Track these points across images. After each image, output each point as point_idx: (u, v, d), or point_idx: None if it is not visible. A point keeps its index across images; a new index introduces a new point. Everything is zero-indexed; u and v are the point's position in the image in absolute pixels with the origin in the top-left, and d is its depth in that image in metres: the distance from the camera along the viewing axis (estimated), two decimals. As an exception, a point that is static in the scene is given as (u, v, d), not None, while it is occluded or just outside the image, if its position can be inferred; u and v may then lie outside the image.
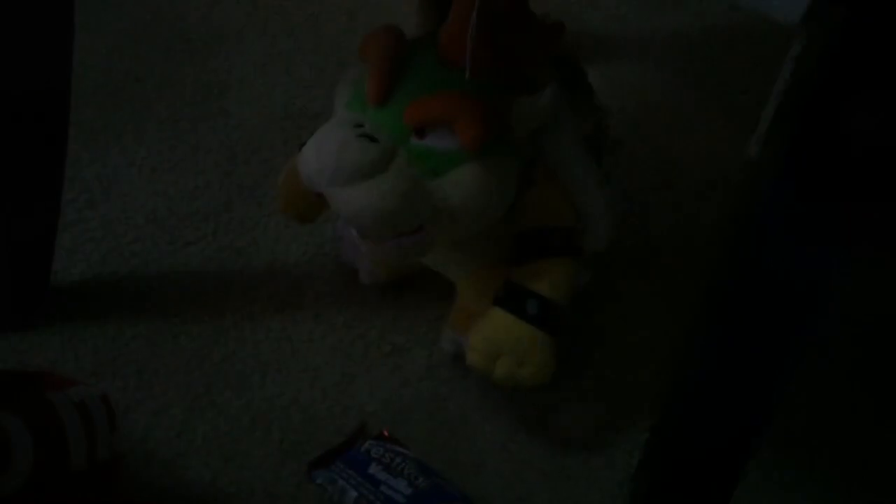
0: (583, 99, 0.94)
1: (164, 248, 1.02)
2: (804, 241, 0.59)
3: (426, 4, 1.16)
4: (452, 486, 0.85)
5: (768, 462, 0.89)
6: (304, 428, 0.89)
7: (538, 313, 0.85)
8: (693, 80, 1.30)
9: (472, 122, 0.79)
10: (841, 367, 0.98)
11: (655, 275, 1.06)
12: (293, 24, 1.29)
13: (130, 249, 1.01)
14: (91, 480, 0.74)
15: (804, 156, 0.57)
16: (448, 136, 0.80)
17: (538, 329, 0.85)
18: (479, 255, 0.92)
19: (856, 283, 0.71)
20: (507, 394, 0.91)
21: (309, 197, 0.91)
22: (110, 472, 0.77)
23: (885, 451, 0.94)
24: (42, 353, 0.91)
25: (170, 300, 0.98)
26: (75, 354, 0.91)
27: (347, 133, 0.80)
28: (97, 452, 0.74)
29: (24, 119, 0.84)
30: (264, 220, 1.05)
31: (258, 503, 0.84)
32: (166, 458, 0.86)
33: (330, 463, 0.85)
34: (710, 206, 1.13)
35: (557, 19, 0.94)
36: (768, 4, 1.24)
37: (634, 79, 1.27)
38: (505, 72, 0.84)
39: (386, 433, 0.88)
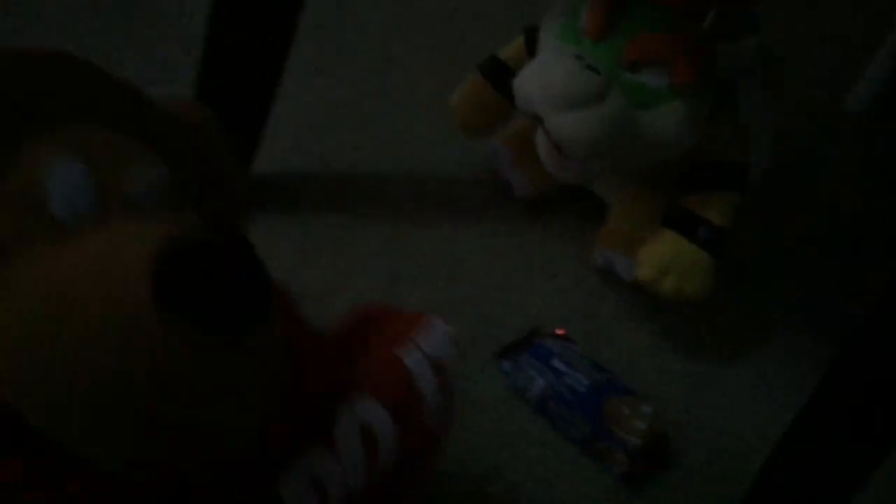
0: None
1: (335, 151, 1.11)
2: None
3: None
4: (621, 381, 0.95)
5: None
6: (476, 322, 0.99)
7: (708, 238, 0.95)
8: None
9: (689, 63, 0.88)
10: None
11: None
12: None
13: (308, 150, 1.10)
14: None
15: None
16: (661, 73, 0.90)
17: (706, 252, 0.95)
18: (630, 177, 1.02)
19: None
20: (649, 306, 1.02)
21: (491, 116, 1.02)
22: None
23: None
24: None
25: (350, 198, 1.06)
26: (277, 242, 1.00)
27: (573, 64, 0.89)
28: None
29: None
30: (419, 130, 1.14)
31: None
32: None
33: (516, 354, 0.95)
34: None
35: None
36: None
37: None
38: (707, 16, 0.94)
39: (562, 332, 0.97)
